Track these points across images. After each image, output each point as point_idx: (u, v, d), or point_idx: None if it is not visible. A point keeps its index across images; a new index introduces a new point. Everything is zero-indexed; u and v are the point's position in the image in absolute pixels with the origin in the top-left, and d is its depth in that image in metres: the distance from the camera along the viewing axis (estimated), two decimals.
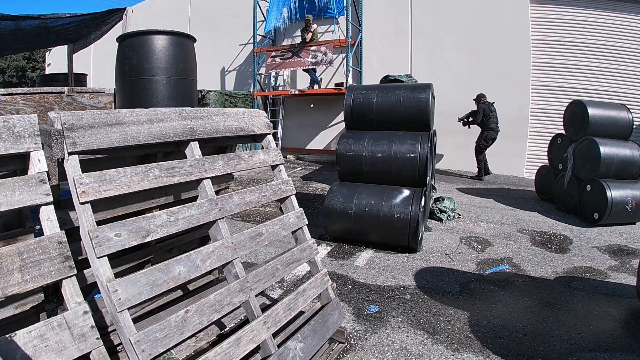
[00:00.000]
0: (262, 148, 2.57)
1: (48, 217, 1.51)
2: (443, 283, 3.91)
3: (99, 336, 1.48)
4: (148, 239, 1.70)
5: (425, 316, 3.26)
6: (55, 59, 16.03)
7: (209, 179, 2.05)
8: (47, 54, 17.44)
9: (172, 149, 2.10)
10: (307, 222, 2.57)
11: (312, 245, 2.55)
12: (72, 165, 1.61)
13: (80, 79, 9.26)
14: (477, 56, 10.30)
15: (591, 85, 9.76)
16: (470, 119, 9.27)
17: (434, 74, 10.15)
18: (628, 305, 3.59)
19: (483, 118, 8.96)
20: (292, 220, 2.46)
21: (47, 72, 17.06)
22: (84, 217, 1.57)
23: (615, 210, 5.78)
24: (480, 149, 9.21)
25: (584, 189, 6.25)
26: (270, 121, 12.01)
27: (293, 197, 2.55)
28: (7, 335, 1.34)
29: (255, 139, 2.57)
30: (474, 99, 9.23)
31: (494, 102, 9.10)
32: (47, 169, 1.55)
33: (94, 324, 1.48)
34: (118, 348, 2.33)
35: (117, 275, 2.34)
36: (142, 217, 1.73)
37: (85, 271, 2.22)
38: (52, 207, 1.53)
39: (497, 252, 4.79)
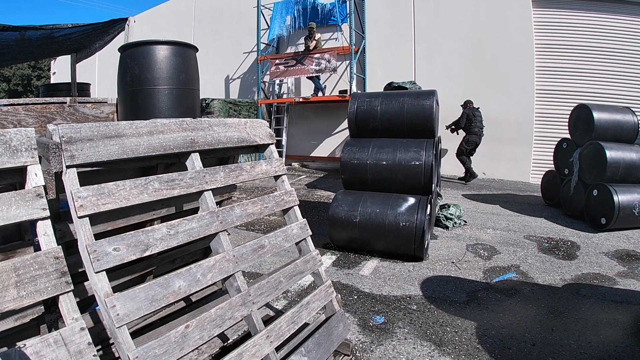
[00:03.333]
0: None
1: (45, 232, 1.48)
2: (450, 292, 3.86)
3: (95, 353, 1.45)
4: (147, 253, 1.67)
5: (432, 327, 3.21)
6: (61, 68, 16.13)
7: (210, 191, 2.01)
8: (52, 62, 17.59)
9: (173, 161, 2.07)
10: (310, 233, 2.53)
11: (316, 256, 2.51)
12: (70, 179, 1.58)
13: (83, 89, 9.30)
14: (480, 62, 10.28)
15: (596, 89, 9.71)
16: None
17: (438, 80, 10.13)
18: (638, 312, 3.53)
19: (466, 122, 9.28)
20: (295, 231, 2.43)
21: (52, 80, 17.21)
22: (82, 231, 1.54)
23: (623, 214, 5.73)
24: (460, 151, 9.46)
25: (590, 194, 6.19)
26: (275, 129, 12.16)
27: (296, 208, 2.52)
28: (3, 352, 1.31)
29: (257, 149, 2.54)
30: (462, 105, 9.48)
31: (478, 108, 9.35)
32: (44, 183, 1.52)
33: (90, 341, 1.45)
34: None
35: (119, 286, 2.33)
36: (142, 230, 1.70)
37: (85, 283, 2.20)
38: (48, 221, 1.50)
39: (504, 259, 4.73)
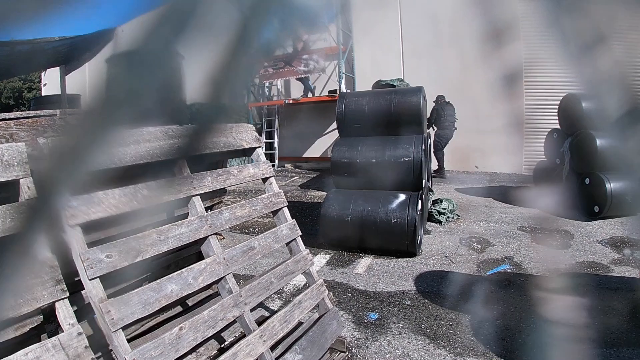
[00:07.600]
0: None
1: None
2: (443, 286, 3.90)
3: (93, 356, 1.49)
4: (139, 259, 1.72)
5: (426, 321, 3.26)
6: (51, 79, 16.11)
7: (198, 196, 2.06)
8: (42, 74, 17.55)
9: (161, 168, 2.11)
10: (300, 234, 2.57)
11: (307, 256, 2.55)
12: None
13: (73, 100, 9.30)
14: (468, 55, 10.32)
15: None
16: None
17: (427, 76, 10.20)
18: (632, 298, 3.55)
19: (436, 118, 9.34)
20: (285, 232, 2.48)
21: (43, 92, 17.23)
22: (74, 240, 1.58)
23: (615, 202, 5.73)
24: (436, 147, 9.49)
25: (582, 183, 6.23)
26: (266, 131, 12.12)
27: (285, 209, 2.57)
28: (4, 359, 1.36)
29: (245, 153, 2.59)
30: (434, 101, 9.49)
31: (449, 102, 9.41)
32: (36, 196, 1.57)
33: (87, 345, 1.49)
34: None
35: (115, 294, 2.37)
36: (132, 237, 1.74)
37: (82, 292, 2.24)
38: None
39: (498, 251, 4.78)
